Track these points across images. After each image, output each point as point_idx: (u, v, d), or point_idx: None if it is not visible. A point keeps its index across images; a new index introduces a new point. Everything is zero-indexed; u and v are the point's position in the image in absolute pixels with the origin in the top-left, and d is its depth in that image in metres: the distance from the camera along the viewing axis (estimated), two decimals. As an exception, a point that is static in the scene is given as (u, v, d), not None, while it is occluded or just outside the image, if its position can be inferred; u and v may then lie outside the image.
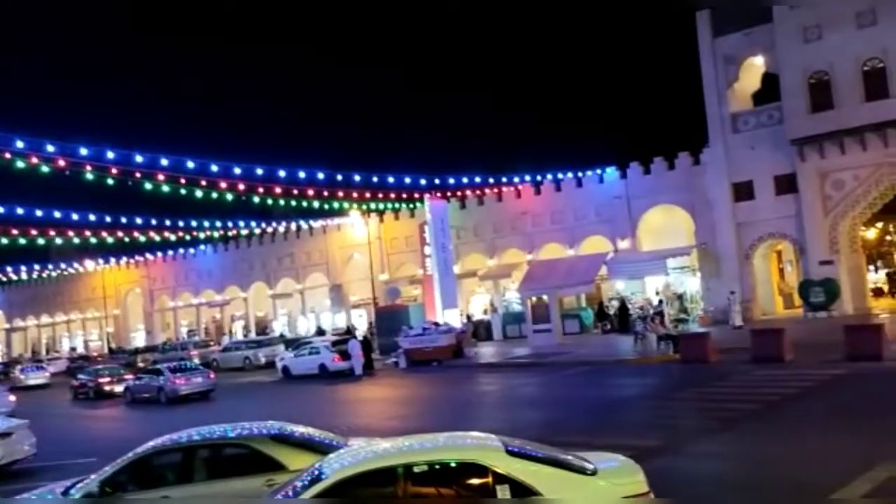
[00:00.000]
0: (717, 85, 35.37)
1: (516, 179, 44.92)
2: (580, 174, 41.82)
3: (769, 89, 35.33)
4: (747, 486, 10.98)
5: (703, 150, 36.38)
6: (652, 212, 38.44)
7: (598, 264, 36.69)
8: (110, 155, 33.40)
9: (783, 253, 38.73)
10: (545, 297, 34.84)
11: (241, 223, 50.77)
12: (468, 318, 42.85)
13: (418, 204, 45.14)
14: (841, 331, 21.48)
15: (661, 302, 33.68)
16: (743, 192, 35.06)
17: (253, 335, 52.90)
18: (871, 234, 44.14)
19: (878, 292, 39.26)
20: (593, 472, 7.15)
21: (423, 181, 43.16)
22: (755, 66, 35.16)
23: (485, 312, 44.80)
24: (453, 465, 7.15)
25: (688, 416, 16.06)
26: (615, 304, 37.44)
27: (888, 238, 48.87)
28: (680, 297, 35.89)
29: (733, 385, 18.83)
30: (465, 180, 44.67)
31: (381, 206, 46.40)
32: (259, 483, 8.84)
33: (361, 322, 50.42)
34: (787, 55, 32.68)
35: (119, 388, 32.39)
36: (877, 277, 42.80)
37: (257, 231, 53.24)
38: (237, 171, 37.91)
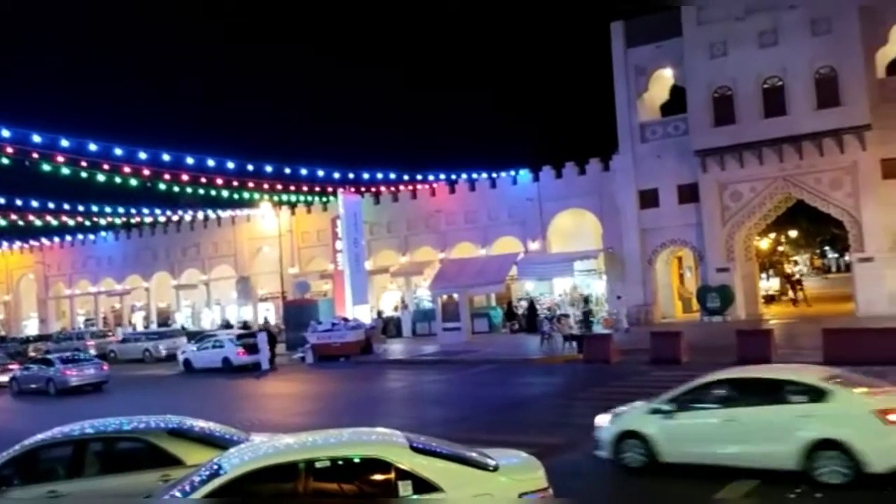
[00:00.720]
0: (628, 94, 36.52)
1: (431, 177, 45.08)
2: (494, 175, 42.36)
3: (676, 101, 36.75)
4: (644, 482, 11.39)
5: (612, 156, 37.47)
6: (562, 215, 39.34)
7: (509, 265, 37.26)
8: (6, 133, 31.56)
9: (684, 259, 40.36)
10: (456, 296, 35.12)
11: (146, 210, 48.86)
12: (378, 314, 42.73)
13: (331, 198, 44.66)
14: (734, 335, 22.57)
15: (576, 303, 34.57)
16: (648, 199, 36.32)
17: (154, 326, 51.12)
18: (765, 243, 46.50)
19: (769, 299, 41.48)
20: (495, 469, 7.27)
21: (336, 175, 42.75)
22: (664, 78, 36.49)
23: (395, 309, 44.76)
24: (356, 460, 7.12)
25: (589, 414, 16.47)
26: (524, 304, 38.12)
27: (779, 248, 51.66)
28: (586, 299, 36.86)
29: (632, 385, 19.45)
30: (379, 176, 44.50)
31: (294, 198, 45.63)
32: (154, 478, 8.57)
33: (269, 316, 49.51)
34: (694, 70, 34.05)
35: (3, 378, 30.73)
36: (768, 285, 45.17)
37: (162, 219, 51.34)
38: (142, 155, 36.51)
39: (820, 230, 52.64)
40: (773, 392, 10.75)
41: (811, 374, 11.12)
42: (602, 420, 12.12)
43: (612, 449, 11.63)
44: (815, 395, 10.33)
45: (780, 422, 10.35)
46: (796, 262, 64.28)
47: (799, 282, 42.00)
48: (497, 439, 13.92)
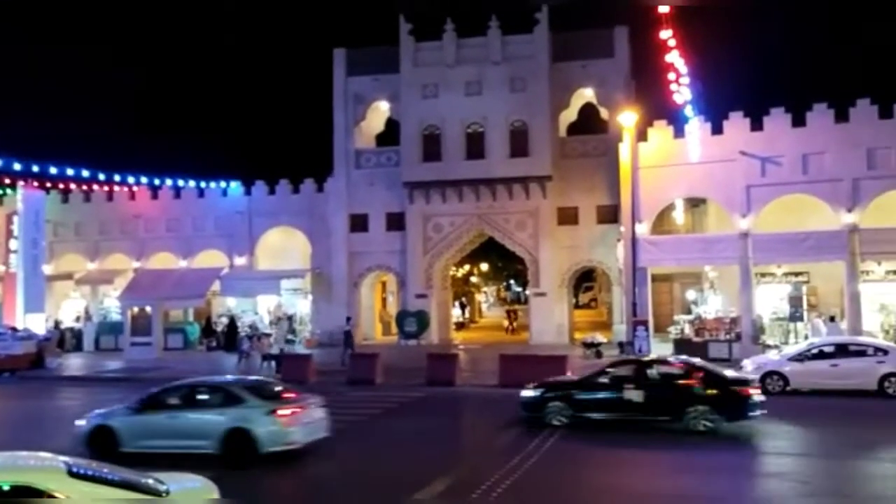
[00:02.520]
0: (346, 121, 37.44)
1: (132, 179, 41.75)
2: (203, 184, 40.49)
3: (391, 133, 38.48)
4: (332, 495, 11.57)
5: (327, 179, 37.98)
6: (273, 231, 38.83)
7: (212, 279, 35.81)
8: None
9: (387, 284, 42.07)
10: (148, 309, 32.87)
11: None
12: (56, 324, 38.25)
13: (9, 191, 39.36)
14: (426, 358, 24.00)
15: (270, 323, 34.01)
16: (359, 223, 37.39)
17: None
18: (459, 274, 50.24)
19: (459, 325, 44.87)
20: (166, 493, 6.87)
21: (17, 166, 37.70)
22: (381, 110, 38.05)
23: (77, 320, 40.43)
24: (6, 488, 6.28)
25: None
26: (224, 320, 36.75)
27: (472, 279, 56.17)
28: (290, 318, 36.68)
29: (328, 405, 19.69)
30: (70, 172, 40.02)
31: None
32: None
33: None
34: (408, 106, 35.99)
35: None
36: (458, 313, 48.82)
37: None
38: None
39: (507, 265, 58.26)
40: (204, 397, 14.37)
41: (236, 386, 14.69)
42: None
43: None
44: (233, 399, 13.90)
45: (206, 419, 13.82)
46: (485, 293, 70.30)
47: (515, 312, 45.99)
48: (179, 463, 13.24)
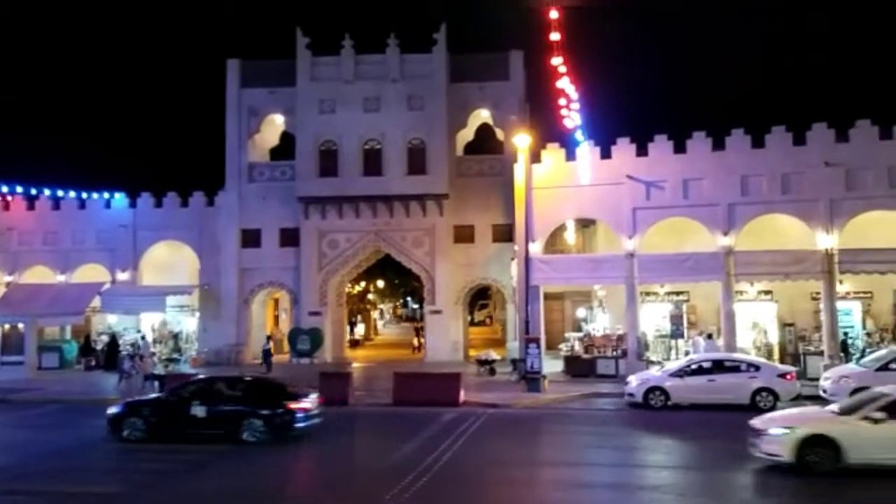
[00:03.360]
0: (239, 133, 36.54)
1: (5, 189, 39.05)
2: (85, 195, 38.38)
3: (286, 147, 37.81)
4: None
5: (218, 192, 36.88)
6: (159, 246, 37.25)
7: (92, 294, 34.02)
8: None
9: (280, 301, 41.16)
10: (21, 325, 30.81)
11: None
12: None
13: None
14: (318, 376, 23.55)
15: (154, 341, 32.54)
16: (250, 239, 36.44)
17: None
18: (355, 290, 49.79)
19: (353, 343, 44.39)
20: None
21: None
22: (276, 123, 37.38)
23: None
24: None
25: (149, 459, 15.67)
26: (105, 338, 34.88)
27: (368, 296, 55.78)
28: (175, 336, 35.27)
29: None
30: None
31: None
32: None
33: None
34: (304, 121, 35.53)
35: None
36: (356, 330, 48.29)
37: None
38: None
39: (404, 282, 58.24)
40: None
41: None
42: None
43: None
44: None
45: None
46: (381, 311, 70.04)
47: (422, 329, 45.49)
48: (55, 490, 12.61)
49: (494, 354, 30.32)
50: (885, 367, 21.14)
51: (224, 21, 70.62)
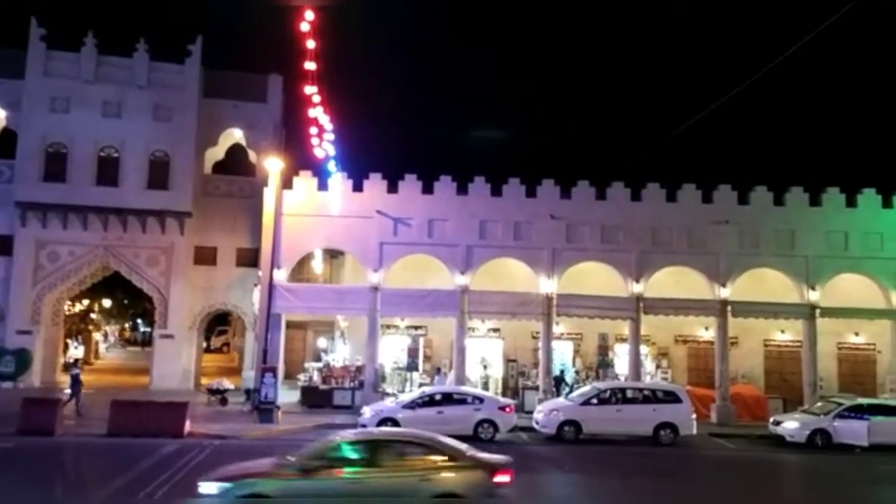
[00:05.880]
0: (-55, 121, 31.87)
1: None
2: None
3: (6, 144, 33.60)
4: None
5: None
6: None
7: None
8: None
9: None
10: None
11: None
12: None
13: None
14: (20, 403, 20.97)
15: None
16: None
17: None
18: (77, 309, 45.19)
19: (68, 367, 40.06)
20: None
21: None
22: (-4, 117, 33.18)
23: None
24: None
25: None
26: None
27: (92, 315, 50.82)
28: None
29: None
30: None
31: None
32: None
33: None
34: (31, 118, 31.96)
35: None
36: (75, 352, 43.68)
37: None
38: None
39: (134, 303, 53.95)
40: None
41: None
42: None
43: None
44: None
45: None
46: (106, 333, 64.34)
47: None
48: None
49: (228, 383, 29.12)
50: (587, 402, 23.70)
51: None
